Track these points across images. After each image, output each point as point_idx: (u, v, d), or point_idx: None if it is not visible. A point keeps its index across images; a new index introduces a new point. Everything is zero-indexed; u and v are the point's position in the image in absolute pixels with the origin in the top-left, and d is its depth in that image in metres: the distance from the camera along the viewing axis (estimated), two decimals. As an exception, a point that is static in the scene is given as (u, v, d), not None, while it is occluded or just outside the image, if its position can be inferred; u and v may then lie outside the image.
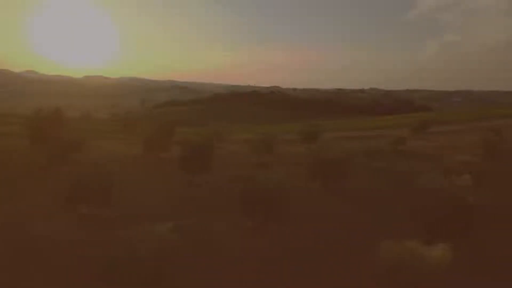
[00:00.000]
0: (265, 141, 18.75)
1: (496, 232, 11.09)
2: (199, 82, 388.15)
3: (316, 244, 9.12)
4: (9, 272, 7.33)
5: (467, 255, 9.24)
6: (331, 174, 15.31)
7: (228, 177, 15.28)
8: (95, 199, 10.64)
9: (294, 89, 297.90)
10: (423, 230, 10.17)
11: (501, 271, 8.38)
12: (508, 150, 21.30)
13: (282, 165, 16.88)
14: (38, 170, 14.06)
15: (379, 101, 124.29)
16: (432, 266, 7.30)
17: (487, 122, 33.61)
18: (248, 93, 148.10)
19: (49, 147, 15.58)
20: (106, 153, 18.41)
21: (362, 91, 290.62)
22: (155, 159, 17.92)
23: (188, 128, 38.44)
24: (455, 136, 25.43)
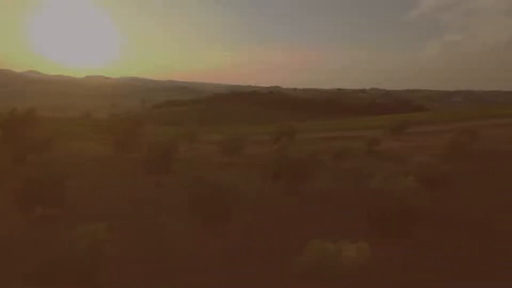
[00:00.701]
0: (235, 142, 18.91)
1: (437, 232, 11.21)
2: (199, 82, 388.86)
3: (253, 244, 9.23)
4: None
5: (405, 254, 9.39)
6: (292, 175, 15.45)
7: (191, 178, 15.40)
8: (48, 200, 10.81)
9: (295, 89, 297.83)
10: (365, 229, 10.34)
11: (437, 269, 8.50)
12: (478, 151, 21.41)
13: (248, 166, 17.03)
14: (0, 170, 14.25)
15: (376, 101, 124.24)
16: (350, 264, 7.45)
17: (474, 122, 33.63)
18: (247, 93, 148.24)
19: (14, 147, 15.79)
20: (75, 153, 18.59)
21: (362, 91, 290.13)
22: (124, 159, 18.08)
23: (179, 128, 38.67)
24: (433, 136, 25.49)
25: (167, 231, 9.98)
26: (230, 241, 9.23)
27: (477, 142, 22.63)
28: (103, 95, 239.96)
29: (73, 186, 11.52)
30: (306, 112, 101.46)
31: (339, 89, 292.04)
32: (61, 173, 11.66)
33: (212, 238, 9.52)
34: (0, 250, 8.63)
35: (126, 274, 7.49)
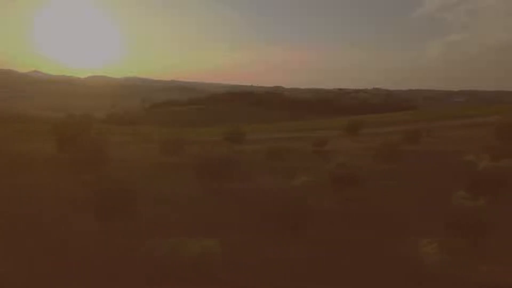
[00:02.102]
0: (175, 142, 19.63)
1: (327, 232, 11.78)
2: (202, 82, 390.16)
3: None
4: None
5: (293, 253, 9.94)
6: (215, 175, 16.11)
7: (116, 177, 16.05)
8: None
9: (297, 89, 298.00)
10: (260, 227, 11.03)
11: (317, 268, 9.04)
12: (415, 151, 21.92)
13: (180, 166, 17.72)
14: None
15: (369, 102, 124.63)
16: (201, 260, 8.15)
17: (440, 122, 34.01)
18: (244, 93, 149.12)
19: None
20: (21, 154, 19.32)
21: (364, 91, 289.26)
22: (65, 158, 18.78)
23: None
24: (385, 137, 26.00)
25: (72, 230, 10.64)
26: (128, 239, 9.66)
27: (421, 143, 23.21)
28: (105, 95, 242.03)
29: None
30: (300, 112, 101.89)
31: (340, 89, 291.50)
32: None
33: (111, 236, 10.01)
34: None
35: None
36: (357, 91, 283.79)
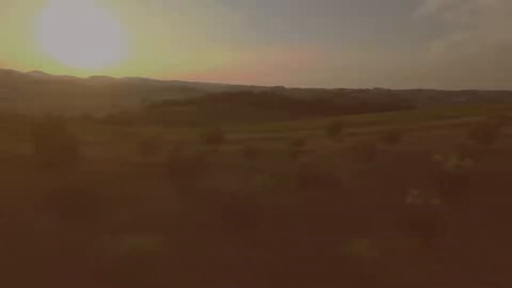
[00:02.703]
0: (152, 142, 19.86)
1: (277, 233, 11.98)
2: (203, 82, 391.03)
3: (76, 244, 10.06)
4: None
5: (233, 253, 10.20)
6: (183, 174, 16.35)
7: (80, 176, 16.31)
8: None
9: (298, 89, 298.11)
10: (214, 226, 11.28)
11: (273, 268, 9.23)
12: (389, 151, 22.04)
13: (153, 166, 17.95)
14: None
15: (367, 102, 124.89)
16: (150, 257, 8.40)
17: (424, 123, 34.08)
18: (241, 93, 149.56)
19: None
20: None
21: (364, 91, 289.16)
22: (37, 158, 19.08)
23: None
24: (367, 137, 26.17)
25: (31, 230, 10.91)
26: (83, 237, 9.89)
27: (399, 143, 23.28)
28: (107, 95, 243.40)
29: None
30: (296, 112, 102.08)
31: (341, 89, 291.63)
32: None
33: (68, 235, 10.24)
34: None
35: None
36: (357, 91, 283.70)
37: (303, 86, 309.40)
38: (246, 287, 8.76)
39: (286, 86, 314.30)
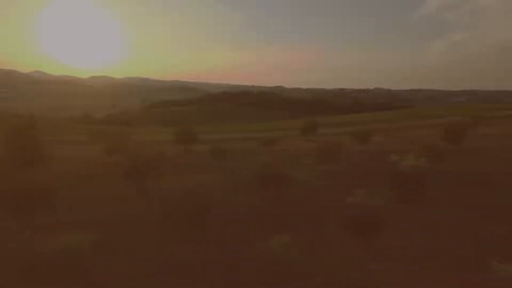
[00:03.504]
0: (121, 142, 20.23)
1: (227, 230, 12.29)
2: (203, 82, 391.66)
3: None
4: None
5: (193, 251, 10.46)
6: (142, 174, 16.66)
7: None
8: None
9: (298, 89, 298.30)
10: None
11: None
12: (355, 151, 22.32)
13: (118, 166, 18.32)
14: None
15: (361, 101, 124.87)
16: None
17: (402, 123, 34.26)
18: (239, 93, 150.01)
19: None
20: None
21: (365, 91, 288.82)
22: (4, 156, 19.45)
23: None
24: (341, 137, 26.45)
25: None
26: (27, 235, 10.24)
27: (368, 144, 23.63)
28: (107, 95, 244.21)
29: None
30: (293, 112, 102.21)
31: (341, 89, 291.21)
32: None
33: (13, 232, 10.56)
34: None
35: None
36: (357, 91, 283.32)
37: (303, 86, 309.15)
38: (172, 281, 9.10)
39: (286, 86, 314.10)
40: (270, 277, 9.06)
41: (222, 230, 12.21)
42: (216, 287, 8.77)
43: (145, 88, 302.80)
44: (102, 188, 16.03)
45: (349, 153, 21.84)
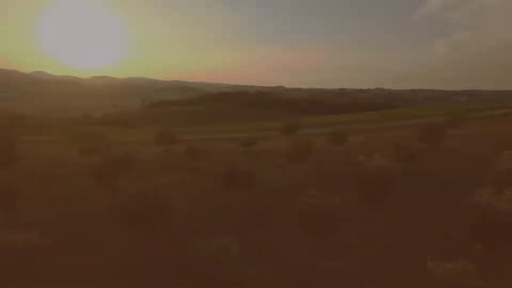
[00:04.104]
0: (98, 142, 20.52)
1: (181, 229, 12.53)
2: (204, 82, 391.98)
3: None
4: None
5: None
6: (112, 173, 16.94)
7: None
8: None
9: (299, 89, 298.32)
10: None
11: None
12: (327, 152, 22.55)
13: (91, 166, 18.59)
14: None
15: (358, 101, 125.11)
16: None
17: (392, 123, 34.37)
18: (236, 93, 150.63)
19: None
20: None
21: (365, 91, 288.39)
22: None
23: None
24: (318, 138, 26.63)
25: None
26: None
27: (343, 144, 23.83)
28: (108, 95, 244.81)
29: None
30: (286, 112, 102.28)
31: (341, 89, 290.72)
32: None
33: None
34: None
35: None
36: (358, 91, 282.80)
37: (304, 86, 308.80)
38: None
39: (287, 86, 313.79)
40: (204, 275, 9.28)
41: (177, 228, 12.46)
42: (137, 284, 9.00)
43: (146, 88, 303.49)
44: (70, 188, 16.31)
45: (324, 153, 22.04)
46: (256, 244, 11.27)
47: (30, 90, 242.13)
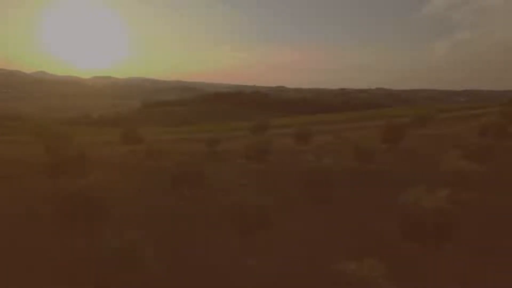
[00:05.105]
0: (58, 142, 20.91)
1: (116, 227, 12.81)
2: (206, 82, 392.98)
3: None
4: None
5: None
6: (61, 172, 17.29)
7: None
8: None
9: (300, 89, 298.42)
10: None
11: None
12: (289, 151, 22.82)
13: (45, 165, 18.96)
14: None
15: (349, 102, 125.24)
16: None
17: (364, 123, 34.54)
18: (233, 93, 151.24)
19: None
20: None
21: (366, 91, 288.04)
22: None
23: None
24: (282, 138, 26.93)
25: None
26: None
27: (308, 144, 24.14)
28: (109, 95, 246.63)
29: None
30: (280, 112, 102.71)
31: (342, 89, 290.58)
32: None
33: None
34: None
35: None
36: (358, 91, 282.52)
37: (305, 86, 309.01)
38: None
39: (288, 86, 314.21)
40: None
41: (104, 227, 12.76)
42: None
43: (147, 88, 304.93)
44: (13, 188, 16.66)
45: (285, 153, 22.31)
46: (172, 244, 11.59)
47: (32, 90, 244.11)
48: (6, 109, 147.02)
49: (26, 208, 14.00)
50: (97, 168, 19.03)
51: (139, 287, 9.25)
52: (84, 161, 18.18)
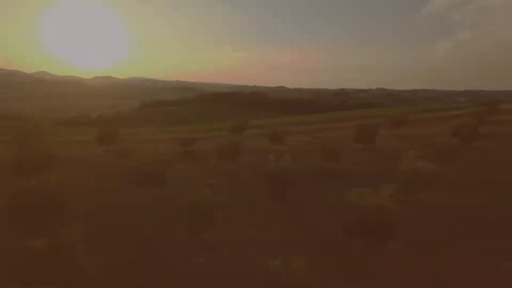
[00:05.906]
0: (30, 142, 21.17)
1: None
2: (206, 82, 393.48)
3: None
4: None
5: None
6: (32, 169, 17.54)
7: None
8: None
9: (300, 89, 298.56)
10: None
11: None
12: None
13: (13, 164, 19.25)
14: None
15: (346, 102, 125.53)
16: None
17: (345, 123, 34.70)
18: (231, 93, 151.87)
19: None
20: None
21: (366, 91, 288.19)
22: None
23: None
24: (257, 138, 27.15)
25: None
26: None
27: (282, 144, 24.35)
28: (109, 95, 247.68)
29: None
30: (276, 112, 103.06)
31: (342, 89, 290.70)
32: None
33: None
34: None
35: None
36: (358, 91, 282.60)
37: (305, 86, 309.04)
38: None
39: (288, 86, 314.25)
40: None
41: (58, 225, 12.98)
42: None
43: (147, 88, 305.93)
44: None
45: (258, 153, 22.51)
46: (116, 242, 11.79)
47: (32, 90, 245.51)
48: (6, 109, 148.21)
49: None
50: (65, 166, 19.31)
51: (68, 286, 9.46)
52: (50, 160, 18.43)
